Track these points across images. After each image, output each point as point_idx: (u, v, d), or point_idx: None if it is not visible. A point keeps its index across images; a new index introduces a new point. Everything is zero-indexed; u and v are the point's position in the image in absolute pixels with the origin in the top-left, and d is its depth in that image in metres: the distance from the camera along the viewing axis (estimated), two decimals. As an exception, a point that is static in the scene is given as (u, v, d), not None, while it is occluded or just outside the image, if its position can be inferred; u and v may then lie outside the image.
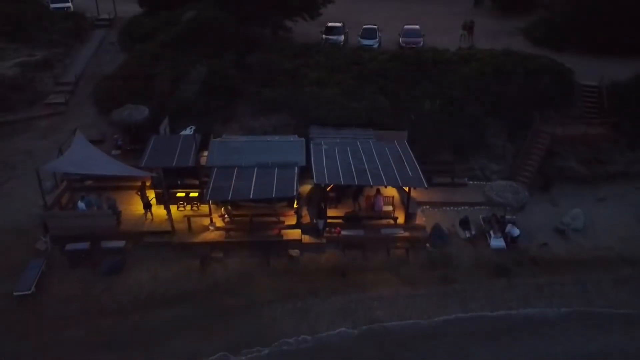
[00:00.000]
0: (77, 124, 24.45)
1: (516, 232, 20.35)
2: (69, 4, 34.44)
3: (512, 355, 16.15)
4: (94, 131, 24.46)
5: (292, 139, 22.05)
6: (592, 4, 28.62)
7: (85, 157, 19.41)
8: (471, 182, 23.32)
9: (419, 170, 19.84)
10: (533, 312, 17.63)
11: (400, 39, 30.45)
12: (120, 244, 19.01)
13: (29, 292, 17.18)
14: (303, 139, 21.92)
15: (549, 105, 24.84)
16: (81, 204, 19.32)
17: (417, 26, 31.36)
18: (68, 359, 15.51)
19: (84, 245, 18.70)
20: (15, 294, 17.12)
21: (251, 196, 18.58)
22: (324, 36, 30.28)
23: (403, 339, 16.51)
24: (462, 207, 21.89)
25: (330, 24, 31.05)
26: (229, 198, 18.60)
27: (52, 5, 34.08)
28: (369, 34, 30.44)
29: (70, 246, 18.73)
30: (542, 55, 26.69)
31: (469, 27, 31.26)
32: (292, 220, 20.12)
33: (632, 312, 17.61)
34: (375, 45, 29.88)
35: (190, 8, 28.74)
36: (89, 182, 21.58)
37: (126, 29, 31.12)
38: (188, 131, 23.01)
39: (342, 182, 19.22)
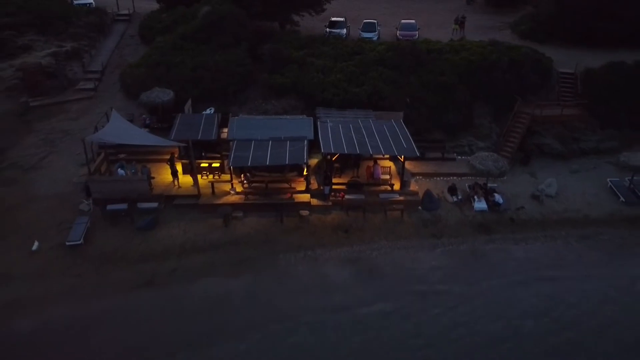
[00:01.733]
0: (105, 107, 28.04)
1: (501, 200, 23.93)
2: (91, 1, 38.04)
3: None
4: (122, 113, 27.66)
5: (301, 117, 25.59)
6: (572, 1, 32.24)
7: (122, 130, 22.93)
8: (459, 157, 26.85)
9: (412, 143, 23.38)
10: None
11: (398, 32, 34.11)
12: (154, 205, 22.50)
13: (79, 242, 20.63)
14: (311, 117, 25.47)
15: (530, 90, 28.50)
16: (120, 171, 22.87)
17: (413, 21, 35.05)
18: (116, 294, 18.90)
19: (123, 206, 22.14)
20: (67, 243, 20.55)
21: (267, 163, 22.09)
22: (327, 30, 33.94)
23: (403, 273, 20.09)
24: (451, 178, 25.40)
25: (333, 19, 34.78)
26: (249, 164, 22.12)
27: (76, 2, 37.69)
28: (369, 27, 34.11)
29: (110, 207, 22.17)
30: (524, 46, 30.30)
31: (460, 22, 34.95)
32: (302, 186, 23.66)
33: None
34: (375, 38, 33.49)
35: (206, 3, 32.32)
36: (122, 155, 25.06)
37: (146, 23, 34.74)
38: (208, 112, 26.55)
39: (346, 152, 22.73)
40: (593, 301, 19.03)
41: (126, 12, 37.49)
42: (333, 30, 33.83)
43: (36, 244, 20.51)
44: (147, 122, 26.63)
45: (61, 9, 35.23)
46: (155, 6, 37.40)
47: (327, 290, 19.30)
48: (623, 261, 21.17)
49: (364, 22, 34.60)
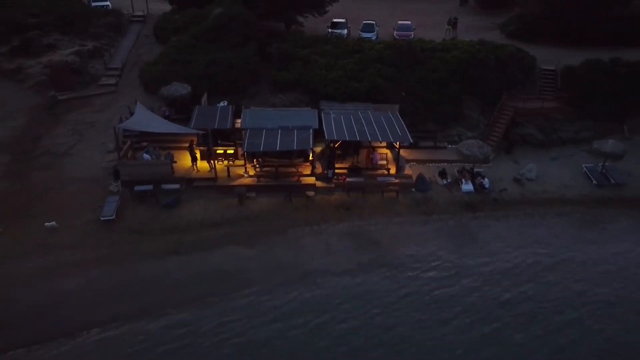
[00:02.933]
0: (126, 101, 31.17)
1: (487, 183, 27.04)
2: (108, 2, 41.08)
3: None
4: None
5: (307, 109, 28.69)
6: (554, 4, 35.39)
7: (148, 119, 26.04)
8: (450, 146, 29.92)
9: (407, 131, 26.48)
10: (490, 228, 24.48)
11: (395, 32, 37.26)
12: (176, 186, 25.55)
13: (112, 218, 23.68)
14: (316, 110, 28.56)
15: (514, 85, 31.66)
16: (146, 155, 25.96)
17: (409, 22, 38.22)
18: (145, 261, 21.95)
19: (149, 187, 25.19)
20: (101, 218, 23.61)
21: (277, 149, 25.18)
22: (330, 30, 37.11)
23: (397, 244, 23.24)
24: (442, 164, 28.50)
25: (335, 20, 37.96)
26: (261, 150, 25.20)
27: (93, 4, 40.74)
28: (368, 28, 37.28)
29: (138, 188, 25.22)
30: (510, 45, 33.46)
31: (453, 23, 38.09)
32: (308, 170, 26.77)
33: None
34: (374, 38, 36.61)
35: (217, 5, 35.42)
36: (145, 143, 28.11)
37: (160, 24, 37.83)
38: (222, 104, 29.61)
39: (347, 139, 25.84)
40: (560, 263, 22.36)
41: (141, 13, 40.59)
42: (335, 31, 36.97)
43: (53, 223, 23.27)
44: (167, 113, 29.66)
45: (82, 11, 38.31)
46: (168, 7, 40.50)
47: (330, 257, 22.41)
48: (593, 234, 24.31)
49: (364, 23, 37.75)
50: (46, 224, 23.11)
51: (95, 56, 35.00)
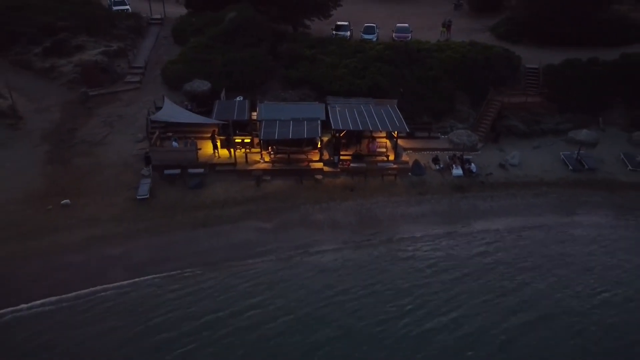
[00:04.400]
0: (151, 96, 35.07)
1: (474, 168, 31.01)
2: (128, 6, 45.05)
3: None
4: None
5: (315, 103, 32.65)
6: (539, 8, 39.41)
7: (175, 111, 29.99)
8: (443, 136, 33.89)
9: (404, 122, 30.44)
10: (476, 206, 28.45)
11: (394, 34, 41.29)
12: (201, 170, 29.46)
13: (146, 196, 27.59)
14: (323, 104, 32.51)
15: (501, 82, 35.65)
16: (174, 143, 29.89)
17: (407, 24, 42.28)
18: (178, 232, 25.83)
19: (177, 171, 29.12)
20: (137, 197, 27.51)
21: (290, 137, 29.11)
22: (334, 32, 41.12)
23: (395, 219, 27.20)
24: (435, 151, 32.45)
25: (339, 23, 42.05)
26: (276, 138, 29.14)
27: (115, 7, 44.71)
28: (369, 30, 41.33)
29: (167, 171, 29.14)
30: (497, 46, 37.49)
31: (447, 25, 42.13)
32: (316, 157, 30.71)
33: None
34: (374, 39, 40.63)
35: (231, 9, 39.41)
36: (170, 133, 32.04)
37: (178, 26, 41.80)
38: (239, 99, 33.55)
39: (351, 128, 29.81)
40: (531, 227, 26.85)
41: (159, 16, 44.52)
42: (338, 32, 41.01)
43: (67, 200, 26.93)
44: (189, 107, 33.52)
45: (105, 14, 42.27)
46: (184, 11, 44.49)
47: (337, 230, 26.35)
48: (567, 210, 28.29)
49: (365, 26, 41.80)
50: (62, 201, 26.84)
51: (120, 56, 38.88)
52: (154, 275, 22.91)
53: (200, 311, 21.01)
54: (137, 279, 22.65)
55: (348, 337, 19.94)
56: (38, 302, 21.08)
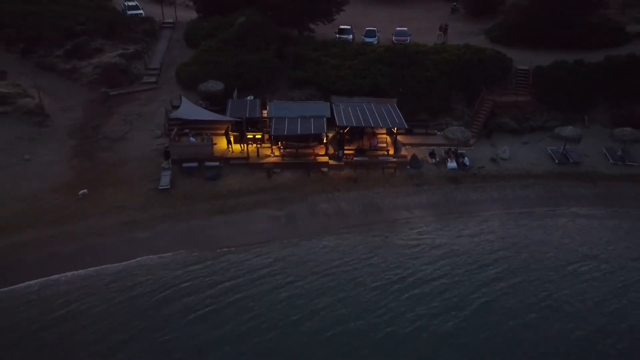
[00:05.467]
0: (166, 96, 38.07)
1: (468, 161, 34.02)
2: (141, 11, 48.03)
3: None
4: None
5: (320, 102, 35.65)
6: (530, 13, 42.46)
7: (192, 109, 32.99)
8: (439, 133, 36.90)
9: (403, 119, 33.43)
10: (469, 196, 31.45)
11: (393, 37, 44.32)
12: (216, 163, 32.43)
13: (168, 187, 30.54)
14: (328, 102, 35.50)
15: (493, 82, 38.66)
16: (192, 139, 32.89)
17: (406, 28, 45.34)
18: (198, 219, 28.77)
19: (194, 164, 32.10)
20: (159, 187, 30.46)
21: (299, 132, 32.08)
22: (337, 35, 44.18)
23: (394, 207, 30.20)
24: (432, 146, 35.43)
25: (342, 27, 45.16)
26: (285, 134, 32.12)
27: (129, 12, 47.70)
28: (370, 33, 44.41)
29: (185, 164, 32.11)
30: (490, 49, 40.54)
31: (444, 29, 45.13)
32: (322, 151, 33.72)
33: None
34: (375, 42, 43.66)
35: (240, 14, 42.43)
36: (186, 130, 35.01)
37: (190, 29, 44.81)
38: (249, 98, 36.55)
39: (355, 125, 32.81)
40: (518, 214, 29.93)
41: (171, 20, 47.53)
42: (341, 36, 44.08)
43: (84, 190, 29.74)
44: (203, 106, 36.49)
45: (121, 19, 45.28)
46: (194, 15, 47.54)
47: (341, 217, 29.35)
48: (553, 200, 31.31)
49: (366, 29, 44.87)
50: (80, 192, 29.66)
51: (136, 58, 41.86)
52: (176, 252, 26.13)
53: (218, 280, 24.29)
54: (163, 254, 25.85)
55: (346, 301, 23.08)
56: (82, 271, 24.67)
